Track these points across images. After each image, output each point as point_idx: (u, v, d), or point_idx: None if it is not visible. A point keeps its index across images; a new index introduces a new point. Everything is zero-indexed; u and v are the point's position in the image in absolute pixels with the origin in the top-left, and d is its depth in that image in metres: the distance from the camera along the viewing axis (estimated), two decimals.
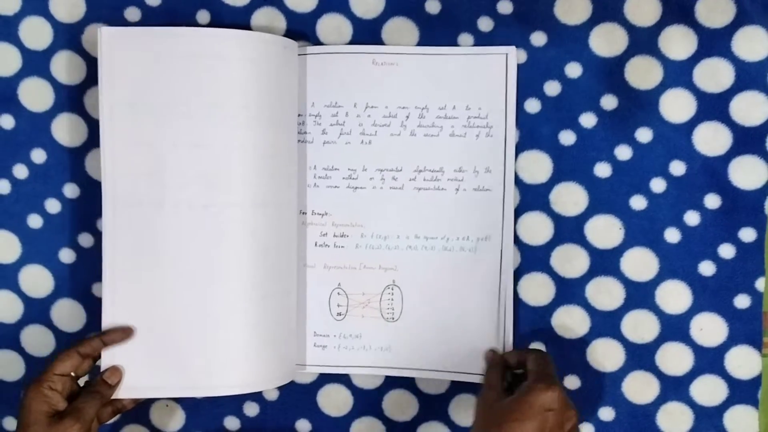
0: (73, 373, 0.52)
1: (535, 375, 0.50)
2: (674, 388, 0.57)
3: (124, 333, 0.53)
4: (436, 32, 0.57)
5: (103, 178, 0.53)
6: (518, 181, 0.57)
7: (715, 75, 0.55)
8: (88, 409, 0.51)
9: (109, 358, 0.53)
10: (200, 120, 0.52)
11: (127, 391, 0.53)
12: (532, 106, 0.57)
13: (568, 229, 0.57)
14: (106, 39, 0.53)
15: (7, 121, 0.58)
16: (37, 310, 0.59)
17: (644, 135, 0.56)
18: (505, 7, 0.56)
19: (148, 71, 0.53)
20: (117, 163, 0.53)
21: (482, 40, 0.57)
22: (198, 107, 0.52)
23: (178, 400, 0.60)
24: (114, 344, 0.53)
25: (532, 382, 0.49)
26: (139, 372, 0.53)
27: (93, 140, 0.58)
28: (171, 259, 0.53)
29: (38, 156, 0.58)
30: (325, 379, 0.59)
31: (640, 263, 0.57)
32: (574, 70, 0.56)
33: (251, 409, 0.59)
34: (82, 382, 0.53)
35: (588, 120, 0.57)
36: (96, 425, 0.53)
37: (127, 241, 0.53)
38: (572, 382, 0.58)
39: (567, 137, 0.57)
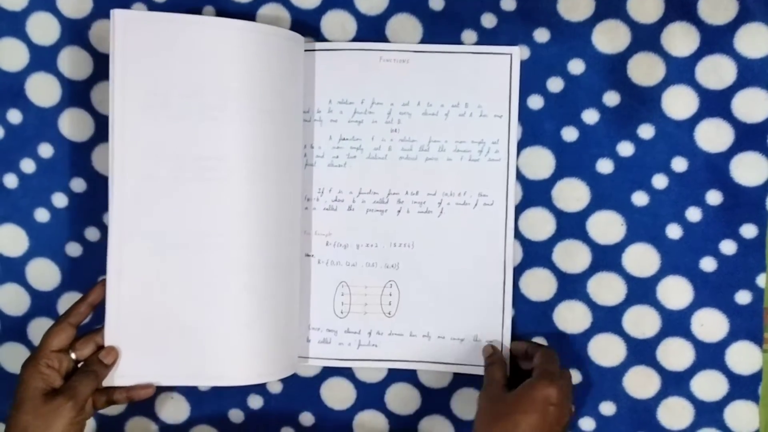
0: (73, 355, 0.52)
1: (540, 371, 0.51)
2: (675, 383, 0.58)
3: (101, 287, 0.53)
4: (440, 29, 0.57)
5: (111, 162, 0.52)
6: (520, 177, 0.58)
7: (717, 72, 0.56)
8: (82, 388, 0.50)
9: (114, 344, 0.53)
10: (204, 107, 0.52)
11: (131, 378, 0.54)
12: (535, 102, 0.57)
13: (570, 225, 0.57)
14: (119, 22, 0.52)
15: (15, 116, 0.58)
16: (43, 303, 0.60)
17: (646, 131, 0.57)
18: (508, 4, 0.57)
19: (158, 58, 0.52)
20: (127, 145, 0.52)
21: (486, 36, 0.57)
22: (202, 94, 0.52)
23: (183, 393, 0.60)
24: (98, 301, 0.53)
25: (536, 378, 0.50)
26: (143, 359, 0.54)
27: (100, 135, 0.58)
28: (176, 249, 0.53)
29: (45, 150, 0.58)
30: (328, 372, 0.60)
31: (642, 259, 0.57)
32: (576, 66, 0.57)
33: (255, 402, 0.60)
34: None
35: (590, 116, 0.57)
36: (90, 407, 0.52)
37: (133, 231, 0.53)
38: (574, 376, 0.58)
39: (569, 133, 0.57)
